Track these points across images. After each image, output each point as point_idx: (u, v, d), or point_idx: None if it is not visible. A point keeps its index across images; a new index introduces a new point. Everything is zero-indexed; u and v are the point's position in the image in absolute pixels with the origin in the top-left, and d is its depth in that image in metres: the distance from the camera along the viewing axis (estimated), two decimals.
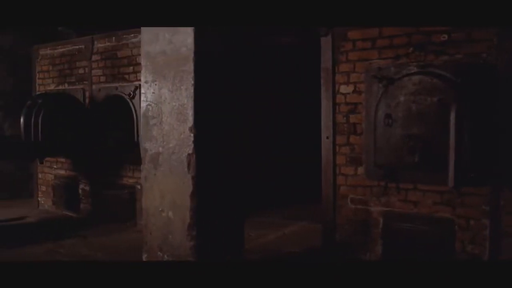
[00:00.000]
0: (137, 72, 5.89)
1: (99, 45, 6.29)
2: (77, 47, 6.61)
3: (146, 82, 3.84)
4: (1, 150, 5.26)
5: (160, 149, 3.76)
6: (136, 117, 5.86)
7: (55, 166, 6.93)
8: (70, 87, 6.67)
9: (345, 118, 4.44)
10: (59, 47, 6.92)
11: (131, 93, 5.86)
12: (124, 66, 6.02)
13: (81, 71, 6.55)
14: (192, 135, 3.56)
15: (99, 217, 6.33)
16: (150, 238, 3.86)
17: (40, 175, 7.25)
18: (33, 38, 7.86)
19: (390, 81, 4.12)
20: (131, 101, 5.89)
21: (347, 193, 4.45)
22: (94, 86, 6.36)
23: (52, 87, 6.96)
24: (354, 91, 4.39)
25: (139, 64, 5.84)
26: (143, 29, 3.88)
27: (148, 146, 3.83)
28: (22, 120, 5.80)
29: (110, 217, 6.18)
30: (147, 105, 3.84)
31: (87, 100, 6.43)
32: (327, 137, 4.53)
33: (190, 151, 3.57)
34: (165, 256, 3.76)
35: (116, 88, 6.07)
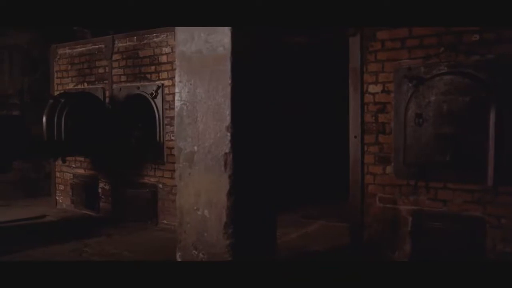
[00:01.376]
0: (159, 71, 5.92)
1: (120, 44, 6.31)
2: (97, 46, 6.63)
3: (180, 81, 3.87)
4: (26, 149, 5.26)
5: (195, 148, 3.78)
6: (158, 116, 5.90)
7: (73, 165, 6.95)
8: (90, 86, 6.69)
9: (373, 117, 4.47)
10: (78, 46, 6.94)
11: (153, 92, 5.89)
12: (145, 66, 6.04)
13: (101, 70, 6.57)
14: (229, 134, 3.58)
15: (120, 216, 6.36)
16: (185, 236, 3.88)
17: (58, 174, 7.27)
18: (48, 37, 7.90)
19: (420, 81, 4.16)
20: (153, 101, 5.91)
21: (375, 192, 4.48)
22: (114, 85, 6.38)
23: (70, 86, 6.98)
24: (382, 91, 4.42)
25: (162, 63, 5.92)
26: (178, 29, 3.90)
27: (183, 145, 3.86)
28: (44, 119, 5.82)
29: (131, 216, 6.21)
30: (181, 105, 3.86)
31: (107, 99, 6.45)
32: (355, 136, 4.56)
33: (227, 150, 3.59)
34: (200, 254, 3.78)
35: (138, 87, 6.09)
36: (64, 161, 6.12)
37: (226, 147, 3.61)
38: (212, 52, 3.68)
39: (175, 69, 5.70)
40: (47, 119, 5.81)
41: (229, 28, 3.58)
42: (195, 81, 3.77)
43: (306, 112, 7.80)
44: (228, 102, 3.60)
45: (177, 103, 3.90)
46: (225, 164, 3.62)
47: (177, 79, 3.89)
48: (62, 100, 5.81)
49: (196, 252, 3.83)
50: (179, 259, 3.92)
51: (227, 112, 3.60)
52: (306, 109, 7.78)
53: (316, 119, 7.84)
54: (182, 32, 3.87)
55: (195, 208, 3.81)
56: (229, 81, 3.59)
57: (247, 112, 3.69)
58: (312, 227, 6.03)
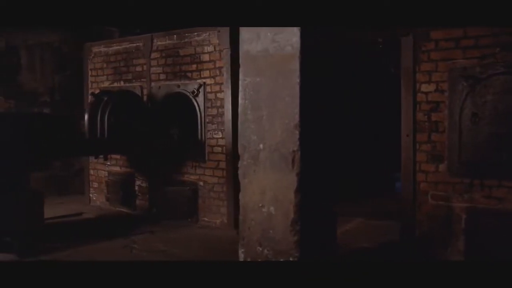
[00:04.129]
0: (200, 70, 5.97)
1: (159, 43, 6.36)
2: (134, 44, 6.67)
3: (244, 80, 3.91)
4: (72, 147, 5.30)
5: (261, 146, 3.83)
6: (199, 114, 5.95)
7: (108, 163, 6.99)
8: (127, 84, 6.73)
9: (426, 116, 4.53)
10: (114, 44, 6.98)
11: (195, 90, 5.94)
12: (186, 64, 6.09)
13: (138, 68, 6.62)
14: (297, 132, 3.63)
15: (157, 214, 6.40)
16: (248, 233, 3.92)
17: (91, 172, 7.32)
18: (78, 36, 7.95)
19: (476, 81, 4.22)
20: (195, 99, 5.96)
21: (427, 189, 4.55)
22: (153, 84, 6.43)
23: (106, 84, 7.02)
24: (436, 90, 4.48)
25: (203, 62, 5.97)
26: (243, 28, 3.94)
27: (247, 143, 3.90)
28: (87, 116, 5.86)
29: (170, 214, 6.25)
30: (246, 103, 3.90)
31: (144, 98, 6.50)
32: (407, 135, 4.63)
33: (295, 148, 3.64)
34: (265, 250, 3.83)
35: (178, 85, 6.14)
36: (106, 159, 6.16)
37: (294, 145, 3.66)
38: (280, 51, 3.73)
39: (217, 68, 5.83)
40: (89, 117, 5.85)
41: (298, 28, 3.64)
42: (261, 79, 3.82)
43: (352, 110, 7.84)
44: (296, 101, 3.65)
45: (240, 101, 3.94)
46: (293, 161, 3.67)
47: (241, 77, 3.93)
48: (105, 98, 5.85)
49: (261, 249, 3.88)
50: (242, 255, 3.97)
51: (296, 110, 3.64)
52: (351, 106, 7.81)
53: (360, 117, 7.90)
54: (247, 32, 3.92)
55: (260, 205, 3.86)
56: (297, 80, 3.64)
57: (313, 111, 3.74)
58: (350, 224, 6.09)
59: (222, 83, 5.76)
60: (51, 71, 7.99)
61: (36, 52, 7.80)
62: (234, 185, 5.73)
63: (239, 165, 4.04)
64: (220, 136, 5.82)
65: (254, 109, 3.87)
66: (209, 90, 5.88)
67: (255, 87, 3.86)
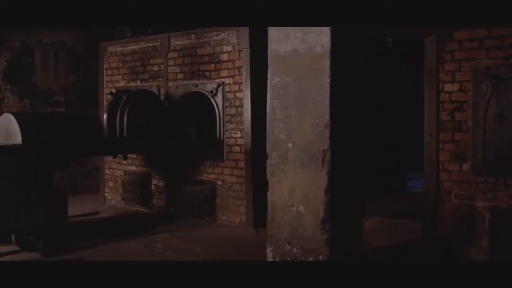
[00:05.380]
0: (219, 69, 6.00)
1: (177, 42, 6.38)
2: (151, 44, 6.70)
3: (273, 79, 3.93)
4: (96, 146, 5.32)
5: (290, 145, 3.86)
6: (218, 114, 5.97)
7: (124, 162, 7.00)
8: (143, 84, 6.76)
9: (449, 115, 4.56)
10: (130, 44, 7.01)
11: (214, 90, 5.96)
12: (204, 64, 6.11)
13: (155, 68, 6.64)
14: (327, 131, 3.65)
15: (175, 213, 6.43)
16: (277, 231, 3.95)
17: (107, 171, 7.34)
18: (91, 35, 7.98)
19: (501, 81, 4.25)
20: (213, 98, 5.99)
21: (450, 188, 4.58)
22: (170, 83, 6.45)
23: (121, 84, 7.05)
24: (459, 90, 4.51)
25: (222, 61, 6.00)
26: (271, 28, 3.97)
27: (275, 142, 3.93)
28: (105, 116, 5.89)
29: (187, 213, 6.28)
30: (274, 102, 3.93)
31: (161, 97, 6.52)
32: (430, 135, 4.66)
33: (325, 147, 3.67)
34: (294, 248, 3.86)
35: (196, 85, 6.16)
36: (125, 158, 6.18)
37: (324, 144, 3.69)
38: (309, 51, 3.76)
39: (236, 67, 5.86)
40: (108, 116, 5.87)
41: (329, 28, 3.66)
42: (290, 79, 3.84)
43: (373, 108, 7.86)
44: (326, 101, 3.68)
45: (269, 101, 3.97)
46: (323, 161, 3.70)
47: (269, 77, 3.95)
48: (124, 97, 5.87)
49: (290, 247, 3.91)
50: (270, 254, 3.99)
51: (326, 110, 3.67)
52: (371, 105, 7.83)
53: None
54: (276, 32, 3.94)
55: (289, 204, 3.89)
56: (328, 80, 3.67)
57: (343, 110, 3.77)
58: (368, 223, 6.08)
59: (241, 83, 5.78)
60: (65, 71, 8.01)
61: (50, 51, 7.82)
62: (253, 184, 5.78)
63: (267, 164, 4.06)
64: (239, 135, 5.85)
65: (283, 109, 3.90)
66: (228, 90, 5.90)
67: (284, 86, 3.89)
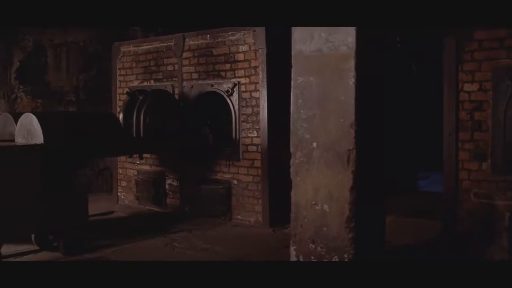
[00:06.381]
0: (235, 69, 6.02)
1: (191, 42, 6.41)
2: (165, 44, 6.72)
3: (297, 79, 3.95)
4: (116, 146, 5.33)
5: (314, 144, 3.88)
6: (234, 113, 6.00)
7: (138, 162, 7.02)
8: (157, 83, 6.78)
9: (469, 115, 4.59)
10: (144, 44, 7.03)
11: (230, 90, 5.98)
12: (220, 64, 6.13)
13: (169, 67, 6.67)
14: (352, 131, 3.67)
15: (189, 212, 6.46)
16: (301, 230, 3.97)
17: (120, 171, 7.36)
18: (103, 35, 8.00)
19: None
20: (229, 98, 6.01)
21: (470, 187, 4.61)
22: (185, 83, 6.47)
23: (135, 83, 7.07)
24: (479, 89, 4.53)
25: (238, 61, 6.02)
26: (295, 28, 3.99)
27: (299, 141, 3.95)
28: (122, 115, 5.90)
29: (202, 212, 6.30)
30: (298, 102, 3.95)
31: (176, 97, 6.54)
32: (449, 134, 4.68)
33: (351, 147, 3.69)
34: (318, 247, 3.88)
35: (211, 85, 6.18)
36: (142, 158, 6.19)
37: (349, 143, 3.71)
38: (334, 51, 3.78)
39: (252, 67, 5.88)
40: (124, 116, 5.89)
41: (354, 28, 3.69)
42: (314, 79, 3.86)
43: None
44: (352, 100, 3.70)
45: (293, 99, 3.99)
46: (348, 160, 3.72)
47: (293, 76, 3.97)
48: (141, 97, 5.89)
49: (314, 246, 3.93)
50: (293, 252, 4.01)
51: (351, 109, 3.69)
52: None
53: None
54: (299, 32, 3.96)
55: (313, 203, 3.91)
56: (353, 80, 3.69)
57: (368, 109, 3.79)
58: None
59: (257, 83, 5.81)
60: (77, 70, 8.03)
61: (62, 51, 7.83)
62: (269, 183, 5.81)
63: (290, 164, 4.08)
64: (255, 135, 5.87)
65: (307, 108, 3.92)
66: (244, 90, 5.93)
67: (308, 86, 3.91)
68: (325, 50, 3.83)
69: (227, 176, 6.16)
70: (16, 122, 4.94)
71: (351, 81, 3.69)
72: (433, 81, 8.18)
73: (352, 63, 3.70)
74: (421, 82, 8.42)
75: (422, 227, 5.54)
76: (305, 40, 3.94)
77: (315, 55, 3.88)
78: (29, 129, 4.64)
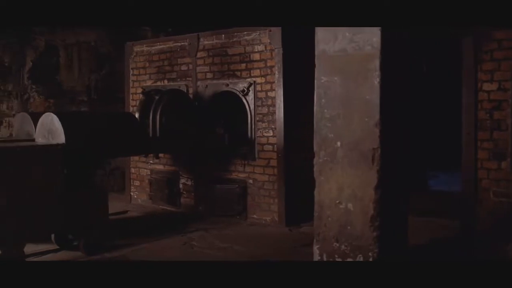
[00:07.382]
0: (250, 69, 6.04)
1: (206, 42, 6.43)
2: (179, 44, 6.74)
3: (321, 79, 3.97)
4: (133, 145, 5.34)
5: (338, 143, 3.90)
6: (250, 113, 6.02)
7: (151, 161, 7.05)
8: (171, 83, 6.80)
9: (488, 114, 4.62)
10: (157, 43, 7.05)
11: (245, 89, 6.00)
12: (235, 63, 6.15)
13: (183, 67, 6.68)
14: (377, 130, 3.70)
15: (203, 211, 6.48)
16: (324, 229, 3.99)
17: (133, 170, 7.37)
18: (115, 35, 8.02)
19: None
20: (245, 98, 6.03)
21: (489, 186, 4.64)
22: (199, 83, 6.49)
23: (148, 83, 7.09)
24: (498, 89, 4.57)
25: (254, 61, 6.04)
26: (318, 28, 4.02)
27: (322, 141, 3.97)
28: (137, 115, 5.91)
29: (217, 211, 6.32)
30: (322, 102, 3.98)
31: (190, 96, 6.55)
32: (468, 133, 4.71)
33: (375, 146, 3.71)
34: (342, 246, 3.90)
35: (227, 84, 6.21)
36: (157, 158, 6.21)
37: (374, 142, 3.73)
38: (358, 51, 3.80)
39: (268, 67, 5.91)
40: (140, 115, 5.90)
41: (379, 28, 3.72)
42: (338, 78, 3.88)
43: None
44: (377, 100, 3.72)
45: (317, 99, 4.01)
46: (373, 159, 3.74)
47: (317, 76, 3.99)
48: (157, 97, 5.91)
49: (338, 244, 3.95)
50: (317, 251, 4.04)
51: (376, 109, 3.71)
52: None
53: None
54: (323, 32, 3.98)
55: (337, 202, 3.93)
56: (378, 79, 3.71)
57: (392, 109, 3.82)
58: None
59: (273, 82, 5.83)
60: (88, 70, 8.05)
61: (74, 51, 7.85)
62: (285, 182, 5.83)
63: (314, 163, 4.10)
64: (271, 134, 5.89)
65: (331, 108, 3.94)
66: (259, 89, 5.95)
67: (332, 86, 3.93)
68: (349, 50, 3.85)
69: (243, 175, 6.18)
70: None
71: (376, 80, 3.72)
72: (441, 81, 8.24)
73: (377, 63, 3.73)
74: (430, 82, 8.46)
75: (438, 226, 5.57)
76: (329, 40, 3.96)
77: (339, 55, 3.90)
78: (50, 129, 4.66)
